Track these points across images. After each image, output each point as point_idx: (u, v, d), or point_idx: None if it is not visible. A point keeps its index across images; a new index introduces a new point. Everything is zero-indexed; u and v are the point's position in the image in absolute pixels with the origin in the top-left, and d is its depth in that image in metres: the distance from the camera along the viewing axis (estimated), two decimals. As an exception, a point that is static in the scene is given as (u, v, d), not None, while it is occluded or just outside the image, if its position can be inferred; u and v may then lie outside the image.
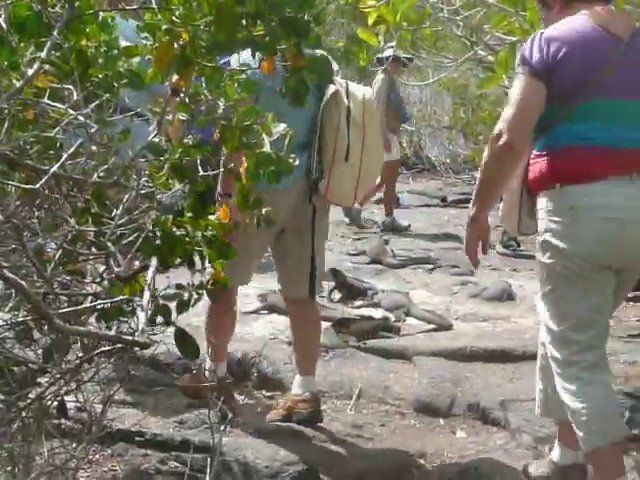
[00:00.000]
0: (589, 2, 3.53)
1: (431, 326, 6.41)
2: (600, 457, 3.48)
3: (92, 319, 2.47)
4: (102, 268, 2.44)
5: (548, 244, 3.51)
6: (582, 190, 3.41)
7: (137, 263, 2.52)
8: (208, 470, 2.99)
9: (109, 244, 2.28)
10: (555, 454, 3.93)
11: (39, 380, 2.59)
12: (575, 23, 3.47)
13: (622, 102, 3.47)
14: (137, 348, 2.35)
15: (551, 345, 3.60)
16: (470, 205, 3.62)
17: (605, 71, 3.40)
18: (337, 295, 7.02)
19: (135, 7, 2.56)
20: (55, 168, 2.03)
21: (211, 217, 2.72)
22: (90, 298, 2.30)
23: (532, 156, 3.57)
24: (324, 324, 5.89)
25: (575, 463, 3.83)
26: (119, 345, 2.15)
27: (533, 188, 3.59)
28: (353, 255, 9.16)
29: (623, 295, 3.80)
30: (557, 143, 3.48)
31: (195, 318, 5.57)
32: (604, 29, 3.46)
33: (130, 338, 1.94)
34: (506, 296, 7.44)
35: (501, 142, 3.42)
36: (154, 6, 2.36)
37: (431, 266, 8.79)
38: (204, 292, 2.68)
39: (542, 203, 3.53)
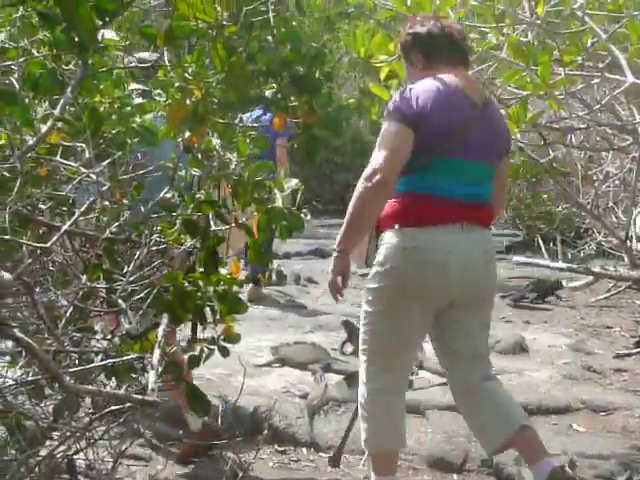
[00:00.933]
0: (450, 65, 3.86)
1: (444, 380, 6.36)
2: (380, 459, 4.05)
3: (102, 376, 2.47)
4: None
5: (380, 275, 3.84)
6: (415, 233, 3.79)
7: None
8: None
9: (120, 301, 2.27)
10: None
11: (50, 437, 2.58)
12: (438, 83, 3.77)
13: (471, 162, 3.83)
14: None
15: (363, 368, 3.99)
16: (337, 240, 3.91)
17: (462, 132, 3.72)
18: (349, 348, 6.98)
19: (148, 64, 2.58)
20: (67, 226, 2.03)
21: (222, 271, 2.72)
22: (100, 355, 2.30)
23: None
24: (336, 377, 5.87)
25: None
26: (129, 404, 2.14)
27: (380, 226, 3.92)
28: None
29: (475, 321, 4.05)
30: (406, 188, 3.78)
31: (207, 371, 5.57)
32: (464, 93, 3.80)
33: (139, 397, 1.93)
34: (519, 349, 7.38)
35: (375, 180, 3.66)
36: (167, 63, 2.38)
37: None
38: (215, 347, 2.68)
39: (383, 239, 3.87)
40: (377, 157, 3.68)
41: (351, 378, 5.97)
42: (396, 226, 3.80)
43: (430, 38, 3.88)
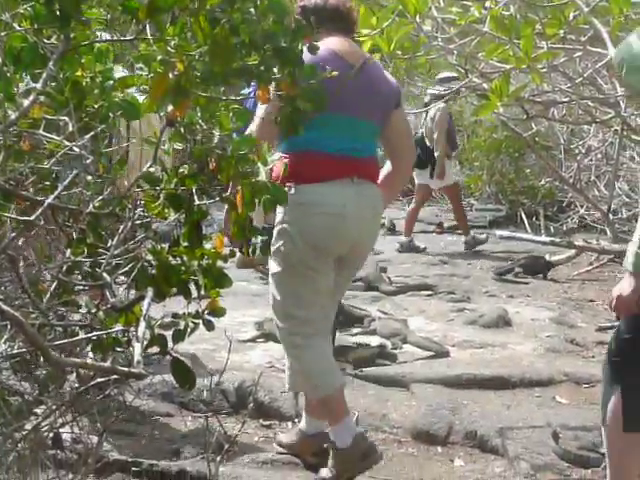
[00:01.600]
0: (334, 33, 4.22)
1: (428, 353, 6.40)
2: (329, 403, 4.26)
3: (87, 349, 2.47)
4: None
5: (282, 233, 4.13)
6: (310, 189, 4.06)
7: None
8: (205, 500, 2.97)
9: (105, 274, 2.27)
10: (302, 424, 4.58)
11: (35, 411, 2.58)
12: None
13: (351, 118, 4.13)
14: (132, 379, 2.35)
15: (277, 317, 4.32)
16: None
17: (338, 91, 3.78)
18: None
19: (130, 38, 2.57)
20: (51, 199, 2.03)
21: (207, 246, 2.71)
22: (85, 329, 2.30)
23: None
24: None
25: (319, 431, 4.46)
26: (114, 376, 2.14)
27: None
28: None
29: (347, 277, 4.52)
30: (295, 147, 4.05)
31: (191, 346, 5.58)
32: (339, 55, 4.12)
33: (125, 369, 1.93)
34: (503, 322, 7.43)
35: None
36: (149, 37, 2.36)
37: (428, 293, 8.78)
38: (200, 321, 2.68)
39: None
40: (255, 121, 3.90)
41: (335, 352, 6.00)
42: (292, 184, 3.98)
43: (316, 10, 4.22)
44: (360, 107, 4.19)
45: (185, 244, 2.65)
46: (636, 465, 3.63)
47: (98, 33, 2.66)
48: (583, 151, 10.22)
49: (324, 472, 4.22)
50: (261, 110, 3.84)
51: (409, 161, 4.68)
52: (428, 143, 11.02)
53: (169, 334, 2.54)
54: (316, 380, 4.28)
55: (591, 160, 10.56)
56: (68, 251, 2.38)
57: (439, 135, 10.84)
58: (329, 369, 4.32)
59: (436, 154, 10.89)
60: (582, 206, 11.29)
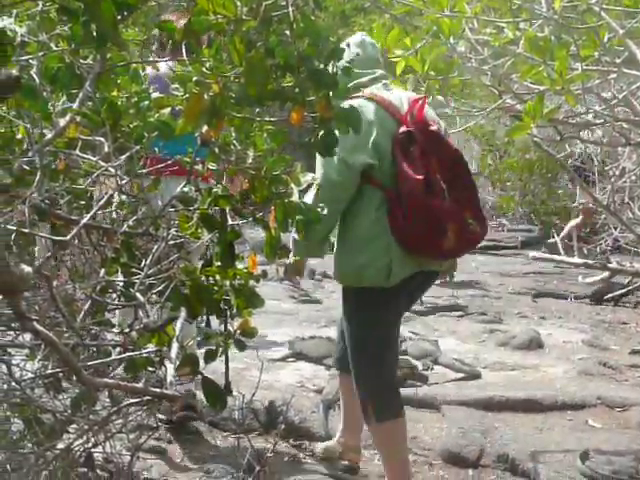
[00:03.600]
0: None
1: (460, 375, 6.37)
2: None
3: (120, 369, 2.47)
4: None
5: None
6: None
7: None
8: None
9: (138, 294, 2.28)
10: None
11: (67, 430, 2.59)
12: None
13: None
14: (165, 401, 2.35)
15: None
16: None
17: None
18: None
19: (166, 59, 2.59)
20: (86, 219, 2.04)
21: (239, 266, 2.72)
22: (118, 349, 2.30)
23: None
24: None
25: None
26: (147, 397, 2.15)
27: None
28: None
29: None
30: None
31: (222, 366, 5.58)
32: None
33: (158, 391, 1.94)
34: (535, 344, 7.38)
35: None
36: (184, 58, 2.38)
37: (459, 313, 8.75)
38: (231, 342, 2.68)
39: None
40: None
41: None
42: None
43: None
44: None
45: (218, 264, 2.66)
46: None
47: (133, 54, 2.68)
48: (617, 173, 10.15)
49: None
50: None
51: None
52: None
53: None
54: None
55: (625, 182, 10.48)
56: (102, 271, 2.39)
57: None
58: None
59: None
60: (616, 228, 11.21)
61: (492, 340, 7.59)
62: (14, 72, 1.84)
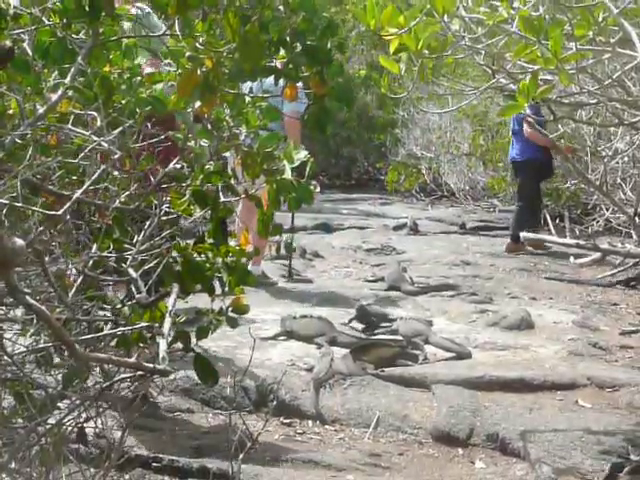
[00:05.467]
0: None
1: (450, 354, 6.38)
2: None
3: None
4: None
5: None
6: None
7: None
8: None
9: (130, 270, 2.27)
10: None
11: (59, 405, 2.58)
12: None
13: None
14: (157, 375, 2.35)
15: None
16: None
17: None
18: (356, 324, 6.99)
19: (159, 34, 2.57)
20: (78, 194, 2.03)
21: (231, 243, 2.71)
22: (110, 324, 2.30)
23: None
24: (342, 351, 5.88)
25: None
26: (139, 372, 2.14)
27: None
28: (371, 282, 9.13)
29: None
30: None
31: (213, 343, 5.59)
32: None
33: (150, 366, 1.93)
34: (525, 325, 7.38)
35: None
36: (178, 33, 2.37)
37: (450, 293, 8.74)
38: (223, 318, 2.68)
39: None
40: None
41: (356, 352, 5.99)
42: None
43: None
44: None
45: (210, 241, 2.65)
46: None
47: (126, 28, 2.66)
48: (610, 153, 10.14)
49: None
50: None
51: None
52: None
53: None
54: None
55: (618, 162, 10.48)
56: (94, 246, 2.38)
57: None
58: None
59: None
60: (608, 209, 11.22)
61: (483, 320, 7.58)
62: (7, 43, 1.82)
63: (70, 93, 2.38)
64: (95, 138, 2.19)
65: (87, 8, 2.32)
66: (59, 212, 2.03)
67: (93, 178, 2.13)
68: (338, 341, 6.18)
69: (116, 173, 2.49)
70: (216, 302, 2.73)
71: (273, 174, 2.76)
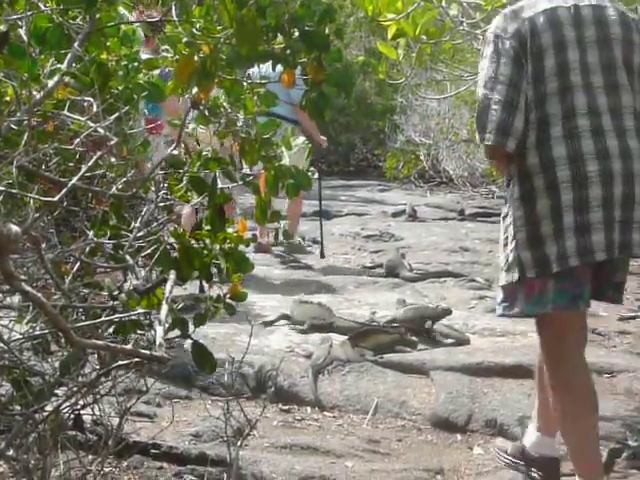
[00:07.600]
0: None
1: (449, 340, 6.37)
2: None
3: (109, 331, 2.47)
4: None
5: None
6: None
7: None
8: (224, 484, 2.97)
9: (127, 257, 2.27)
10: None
11: (56, 392, 2.58)
12: None
13: None
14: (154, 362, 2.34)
15: None
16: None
17: None
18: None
19: (156, 19, 2.56)
20: (74, 181, 2.02)
21: (229, 230, 2.71)
22: (107, 311, 2.29)
23: None
24: (341, 337, 5.88)
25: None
26: (136, 359, 2.14)
27: None
28: (370, 268, 9.13)
29: None
30: None
31: (211, 330, 5.58)
32: None
33: (148, 352, 1.93)
34: (524, 311, 7.37)
35: None
36: (175, 19, 2.36)
37: (449, 280, 8.74)
38: (221, 305, 2.67)
39: None
40: None
41: (355, 338, 5.99)
42: None
43: None
44: None
45: (207, 227, 2.65)
46: None
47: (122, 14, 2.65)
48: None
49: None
50: None
51: None
52: None
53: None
54: None
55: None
56: (91, 233, 2.37)
57: None
58: None
59: None
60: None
61: (481, 306, 7.58)
62: (2, 27, 1.82)
63: (67, 79, 2.37)
64: (91, 124, 2.19)
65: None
66: (55, 199, 2.02)
67: (89, 164, 2.12)
68: (337, 327, 6.18)
69: (112, 160, 2.48)
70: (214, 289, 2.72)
71: (271, 160, 2.76)
